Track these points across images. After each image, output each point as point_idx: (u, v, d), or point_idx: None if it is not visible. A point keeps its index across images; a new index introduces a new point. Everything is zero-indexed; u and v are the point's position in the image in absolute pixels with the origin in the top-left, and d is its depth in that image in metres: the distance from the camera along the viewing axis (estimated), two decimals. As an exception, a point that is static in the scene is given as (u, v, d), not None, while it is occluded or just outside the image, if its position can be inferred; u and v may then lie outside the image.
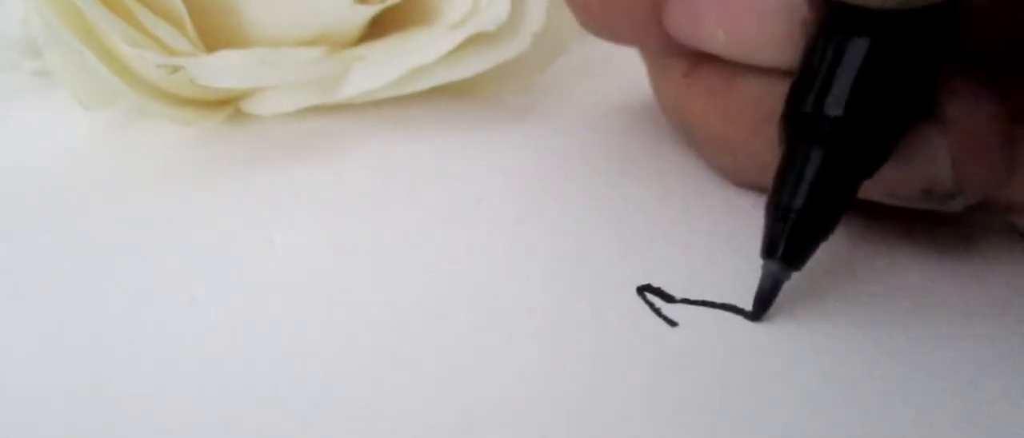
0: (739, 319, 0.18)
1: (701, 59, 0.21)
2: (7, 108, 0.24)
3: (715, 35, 0.20)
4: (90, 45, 0.21)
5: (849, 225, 0.21)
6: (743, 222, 0.19)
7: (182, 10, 0.22)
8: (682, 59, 0.21)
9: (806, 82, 0.18)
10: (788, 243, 0.18)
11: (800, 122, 0.18)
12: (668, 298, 0.18)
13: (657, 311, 0.18)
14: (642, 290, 0.19)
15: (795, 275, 0.18)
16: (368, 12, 0.24)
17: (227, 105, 0.24)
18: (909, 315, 0.18)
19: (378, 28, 0.25)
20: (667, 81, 0.22)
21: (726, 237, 0.19)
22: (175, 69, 0.22)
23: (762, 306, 0.18)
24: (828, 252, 0.20)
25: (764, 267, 0.18)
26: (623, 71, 0.24)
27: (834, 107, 0.17)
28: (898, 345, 0.18)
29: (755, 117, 0.19)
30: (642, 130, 0.24)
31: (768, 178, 0.18)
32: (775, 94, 0.18)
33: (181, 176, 0.22)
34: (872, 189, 0.18)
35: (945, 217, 0.20)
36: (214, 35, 0.23)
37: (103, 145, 0.23)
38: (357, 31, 0.24)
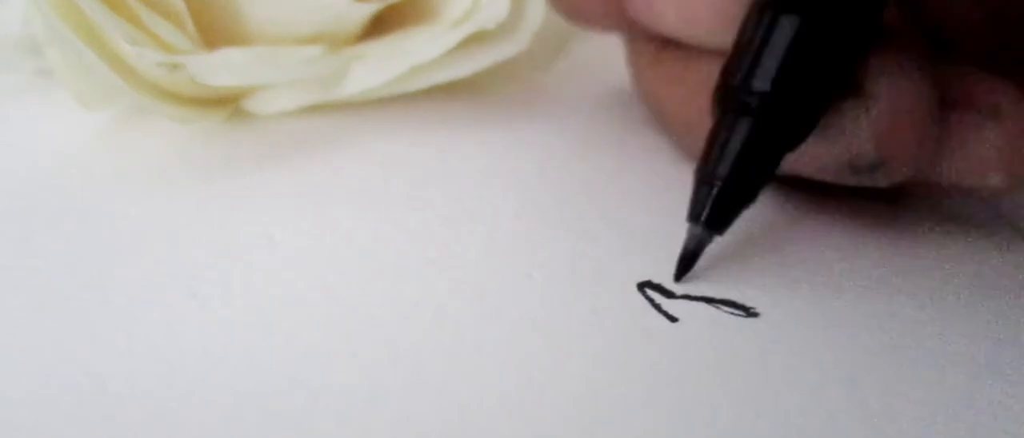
0: (739, 314, 0.18)
1: (665, 44, 0.21)
2: (7, 108, 0.24)
3: (667, 15, 0.20)
4: (90, 43, 0.21)
5: (849, 220, 0.21)
6: (744, 219, 0.19)
7: (182, 8, 0.22)
8: (650, 44, 0.22)
9: (738, 57, 0.18)
10: (712, 209, 0.18)
11: (730, 95, 0.18)
12: (668, 294, 0.18)
13: (657, 307, 0.18)
14: (642, 286, 0.19)
15: (799, 270, 0.18)
16: (368, 10, 0.24)
17: (227, 103, 0.24)
18: (909, 310, 0.18)
19: (378, 26, 0.25)
20: (638, 67, 0.23)
21: (726, 233, 0.19)
22: (175, 67, 0.22)
23: (684, 268, 0.19)
24: (829, 247, 0.20)
25: (688, 231, 0.19)
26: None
27: (762, 82, 0.18)
28: (899, 341, 0.18)
29: (708, 99, 0.19)
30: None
31: None
32: None
33: (181, 175, 0.22)
34: (802, 164, 0.19)
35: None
36: (214, 33, 0.23)
37: (103, 145, 0.23)
38: (357, 29, 0.24)
